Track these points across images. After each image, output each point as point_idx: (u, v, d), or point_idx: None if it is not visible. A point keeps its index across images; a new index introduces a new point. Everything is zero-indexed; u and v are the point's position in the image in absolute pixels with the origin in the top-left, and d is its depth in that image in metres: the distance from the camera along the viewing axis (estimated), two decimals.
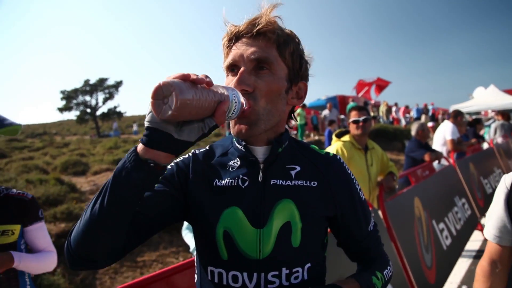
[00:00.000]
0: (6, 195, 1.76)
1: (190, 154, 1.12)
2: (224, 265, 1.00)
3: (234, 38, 1.00)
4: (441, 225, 3.84)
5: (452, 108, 14.92)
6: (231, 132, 1.03)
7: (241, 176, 1.03)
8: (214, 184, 1.03)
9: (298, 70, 1.05)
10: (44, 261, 1.84)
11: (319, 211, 1.03)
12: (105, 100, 36.20)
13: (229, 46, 1.02)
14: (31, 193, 1.98)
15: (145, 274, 4.54)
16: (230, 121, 1.01)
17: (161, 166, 0.81)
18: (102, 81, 40.52)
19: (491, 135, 8.70)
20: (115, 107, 36.59)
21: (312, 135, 17.12)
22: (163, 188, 1.01)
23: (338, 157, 1.12)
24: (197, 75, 0.79)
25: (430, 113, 23.09)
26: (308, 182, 1.03)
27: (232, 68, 1.01)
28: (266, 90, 0.97)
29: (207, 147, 1.13)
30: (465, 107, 14.67)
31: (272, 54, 0.98)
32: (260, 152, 1.05)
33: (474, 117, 13.12)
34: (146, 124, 0.80)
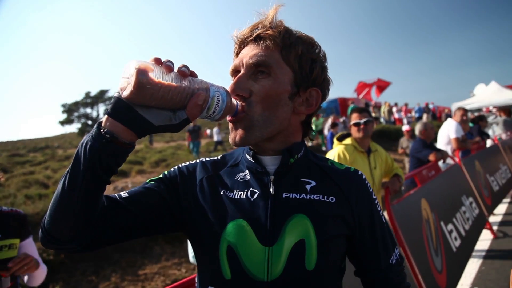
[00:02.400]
0: (1, 212, 1.86)
1: (198, 161, 1.06)
2: (226, 286, 0.89)
3: (240, 44, 0.98)
4: (450, 226, 3.73)
5: (453, 106, 14.76)
6: (229, 141, 0.96)
7: (250, 188, 0.95)
8: (221, 194, 0.96)
9: (308, 75, 0.96)
10: (44, 273, 1.97)
11: (337, 229, 0.93)
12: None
13: (237, 53, 0.99)
14: (30, 209, 2.08)
15: None
16: (229, 128, 0.96)
17: (119, 140, 0.74)
18: (102, 93, 40.77)
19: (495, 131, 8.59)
20: None
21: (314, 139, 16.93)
22: (153, 188, 0.96)
23: (359, 173, 1.03)
24: (171, 61, 0.75)
25: (431, 112, 22.97)
26: (325, 197, 0.94)
27: (235, 73, 0.98)
28: (263, 95, 0.91)
29: (219, 157, 1.08)
30: (466, 104, 14.47)
31: (273, 57, 0.93)
32: (269, 162, 0.98)
33: (476, 114, 13.00)
34: (114, 94, 0.76)
